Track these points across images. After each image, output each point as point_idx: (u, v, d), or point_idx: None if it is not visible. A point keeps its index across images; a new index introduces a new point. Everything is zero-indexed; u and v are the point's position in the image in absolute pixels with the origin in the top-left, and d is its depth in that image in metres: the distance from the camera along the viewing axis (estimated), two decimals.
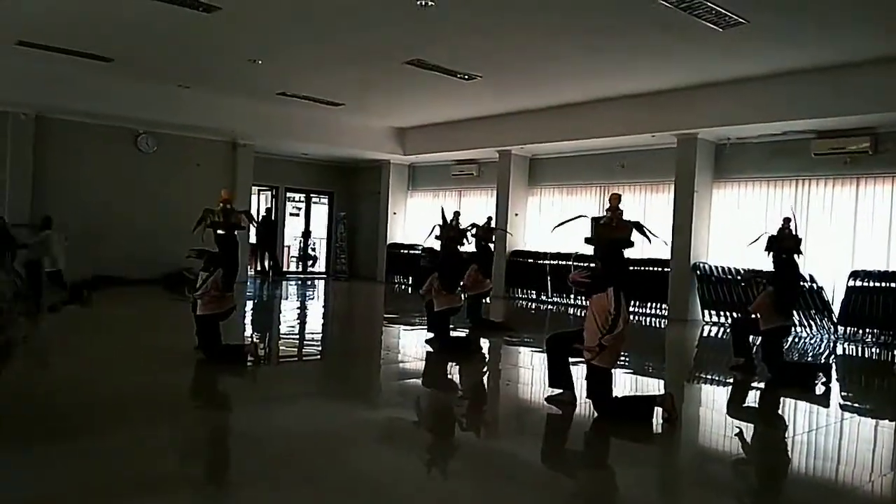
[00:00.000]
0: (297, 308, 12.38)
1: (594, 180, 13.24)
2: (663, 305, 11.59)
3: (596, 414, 4.89)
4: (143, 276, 12.84)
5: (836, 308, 9.78)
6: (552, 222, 5.99)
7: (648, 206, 12.26)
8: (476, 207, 14.91)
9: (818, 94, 9.31)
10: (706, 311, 11.14)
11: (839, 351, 8.98)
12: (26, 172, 11.91)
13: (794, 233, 6.57)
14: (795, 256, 6.60)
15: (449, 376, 6.83)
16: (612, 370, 4.97)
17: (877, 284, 9.39)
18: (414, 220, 17.10)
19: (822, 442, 4.77)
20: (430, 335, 7.77)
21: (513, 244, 13.98)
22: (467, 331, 8.72)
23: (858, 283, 9.52)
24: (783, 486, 3.99)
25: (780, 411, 5.89)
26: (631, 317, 5.57)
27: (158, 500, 3.17)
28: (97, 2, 8.00)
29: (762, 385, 6.45)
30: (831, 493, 3.82)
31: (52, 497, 3.12)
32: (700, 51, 8.67)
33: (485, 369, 7.31)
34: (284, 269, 17.77)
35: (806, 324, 9.99)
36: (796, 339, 9.43)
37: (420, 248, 15.36)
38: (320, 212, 18.82)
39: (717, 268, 10.95)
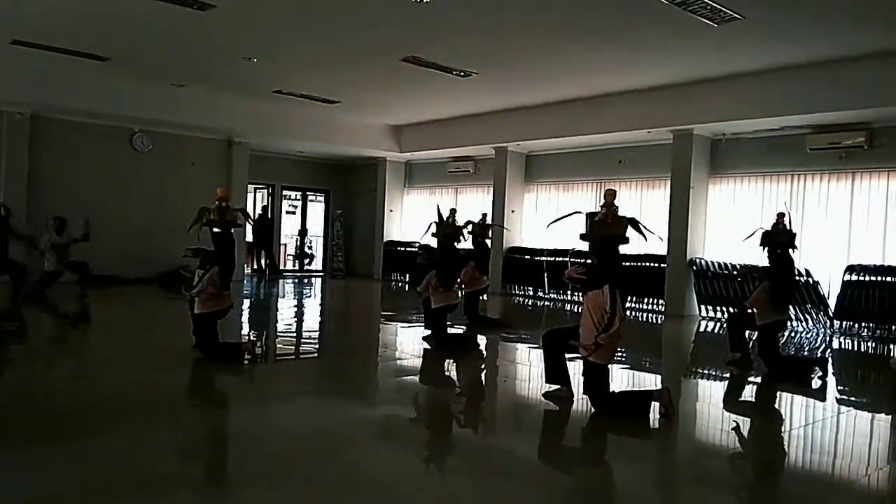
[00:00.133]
0: (294, 306, 12.37)
1: (590, 177, 13.25)
2: (660, 301, 11.62)
3: (593, 410, 4.91)
4: (139, 275, 12.82)
5: (832, 302, 9.83)
6: (548, 219, 6.00)
7: (644, 202, 12.28)
8: (473, 204, 14.89)
9: (813, 90, 9.33)
10: (702, 307, 11.17)
11: (835, 345, 9.01)
12: (22, 172, 11.87)
13: (788, 228, 6.60)
14: (790, 251, 6.63)
15: (446, 373, 6.84)
16: (609, 366, 4.98)
17: (872, 279, 9.43)
18: (410, 218, 17.09)
19: (818, 436, 4.80)
20: (428, 332, 7.78)
21: (509, 241, 14.00)
22: (464, 328, 8.73)
23: (854, 278, 9.56)
24: (780, 481, 4.01)
25: (776, 406, 5.91)
26: (627, 313, 5.58)
27: (158, 500, 3.17)
28: (92, 1, 7.98)
29: (759, 380, 6.47)
30: (828, 487, 3.84)
31: (52, 497, 3.13)
32: (695, 46, 8.67)
33: (482, 366, 7.33)
34: (281, 267, 17.77)
35: (802, 318, 10.03)
36: (792, 334, 9.47)
37: (417, 245, 15.36)
38: (317, 210, 18.80)
39: (713, 263, 10.98)
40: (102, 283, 11.70)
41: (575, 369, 5.24)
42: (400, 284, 16.17)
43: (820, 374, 6.42)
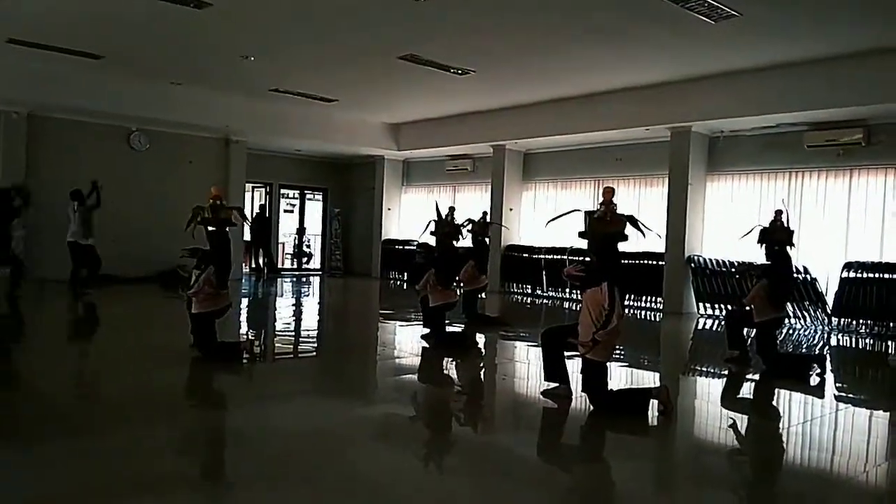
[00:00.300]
0: (292, 305, 12.37)
1: (588, 174, 13.25)
2: (658, 298, 11.63)
3: (592, 407, 4.91)
4: (138, 274, 12.81)
5: (830, 299, 9.84)
6: (547, 217, 6.00)
7: (642, 200, 12.28)
8: (471, 202, 14.91)
9: (811, 87, 9.34)
10: (701, 304, 11.18)
11: (833, 342, 9.03)
12: (19, 171, 11.83)
13: (785, 225, 6.61)
14: (788, 248, 6.64)
15: (445, 372, 6.84)
16: (608, 364, 4.98)
17: (870, 275, 9.44)
18: (408, 216, 17.08)
19: (816, 433, 4.81)
20: (426, 331, 7.78)
21: (508, 239, 14.00)
22: (463, 326, 8.73)
23: (852, 275, 9.57)
24: (778, 478, 4.02)
25: (774, 403, 5.92)
26: (626, 310, 5.58)
27: (157, 499, 3.17)
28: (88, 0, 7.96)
29: (757, 377, 6.48)
30: (826, 484, 3.85)
31: (52, 497, 3.12)
32: (693, 44, 8.68)
33: (481, 364, 7.34)
34: (279, 266, 17.75)
35: (800, 315, 10.04)
36: (791, 331, 9.48)
37: (415, 243, 15.35)
38: (315, 208, 18.78)
39: (711, 260, 10.99)
40: (101, 282, 11.69)
41: (574, 367, 5.25)
42: (398, 283, 16.16)
43: (818, 371, 6.42)
